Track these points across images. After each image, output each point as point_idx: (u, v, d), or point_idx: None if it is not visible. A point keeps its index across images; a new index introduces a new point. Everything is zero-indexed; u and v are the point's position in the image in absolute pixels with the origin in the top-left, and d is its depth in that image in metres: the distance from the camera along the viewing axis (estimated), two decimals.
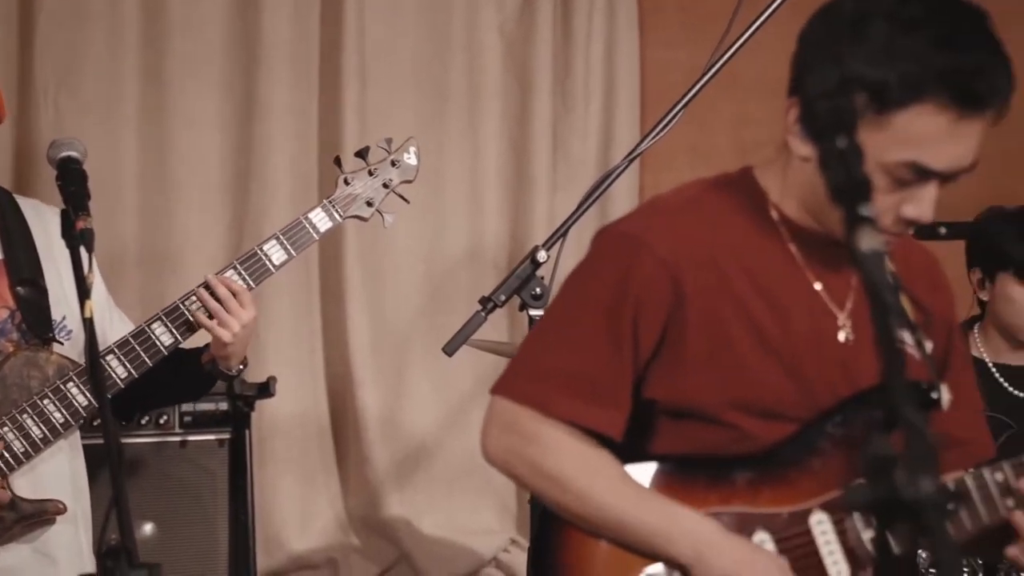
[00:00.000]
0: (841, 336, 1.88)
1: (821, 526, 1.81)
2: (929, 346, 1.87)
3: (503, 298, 2.70)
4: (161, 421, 3.55)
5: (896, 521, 1.21)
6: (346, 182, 2.85)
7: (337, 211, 2.83)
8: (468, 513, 4.35)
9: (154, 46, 4.11)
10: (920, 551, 2.67)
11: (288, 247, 2.77)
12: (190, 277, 2.91)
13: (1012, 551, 1.83)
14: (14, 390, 2.56)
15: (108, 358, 2.61)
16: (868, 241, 1.28)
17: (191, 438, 3.58)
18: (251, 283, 2.72)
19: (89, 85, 4.06)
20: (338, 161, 2.89)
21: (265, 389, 3.61)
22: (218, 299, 2.65)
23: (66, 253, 2.13)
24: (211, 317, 2.66)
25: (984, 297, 3.18)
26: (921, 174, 1.73)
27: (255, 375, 3.73)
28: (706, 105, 4.32)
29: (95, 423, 2.82)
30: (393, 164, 2.89)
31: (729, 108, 4.42)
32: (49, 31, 4.00)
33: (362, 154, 2.87)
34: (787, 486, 1.83)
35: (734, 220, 1.88)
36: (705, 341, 1.83)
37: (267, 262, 2.75)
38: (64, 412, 2.57)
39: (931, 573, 2.68)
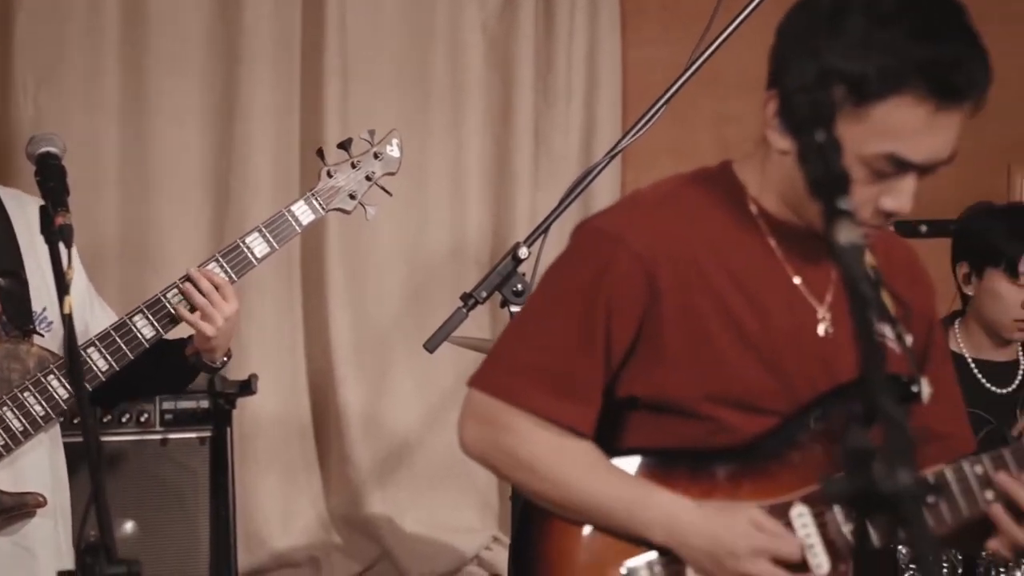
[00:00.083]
0: (821, 330, 1.89)
1: (802, 519, 1.81)
2: (909, 340, 1.87)
3: (484, 294, 2.70)
4: (142, 419, 3.54)
5: (874, 513, 1.21)
6: (329, 174, 2.84)
7: (320, 203, 2.82)
8: (450, 511, 4.35)
9: (134, 42, 4.09)
10: (900, 546, 2.69)
11: (271, 240, 2.76)
12: (171, 272, 2.90)
13: (993, 543, 1.83)
14: None
15: (89, 351, 2.61)
16: (847, 234, 1.28)
17: (172, 436, 3.57)
18: (233, 276, 2.72)
19: (69, 81, 4.05)
20: (321, 153, 2.88)
21: (247, 387, 3.60)
22: (201, 292, 2.65)
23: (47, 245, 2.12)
24: (193, 311, 2.65)
25: (970, 292, 3.18)
26: (899, 166, 1.73)
27: (236, 373, 3.72)
28: (688, 103, 4.32)
29: (75, 420, 2.81)
30: (376, 156, 2.89)
31: (710, 106, 4.43)
32: (29, 27, 3.99)
33: (345, 146, 2.87)
34: (768, 479, 1.83)
35: (713, 214, 1.89)
36: (682, 337, 1.84)
37: (249, 255, 2.74)
38: (44, 405, 2.56)
39: (911, 568, 2.69)
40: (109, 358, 2.62)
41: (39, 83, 4.02)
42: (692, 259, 1.85)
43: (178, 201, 4.15)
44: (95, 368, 2.61)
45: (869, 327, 1.25)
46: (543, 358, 1.86)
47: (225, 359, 2.74)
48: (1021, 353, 3.21)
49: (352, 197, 2.86)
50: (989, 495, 1.80)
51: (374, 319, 4.34)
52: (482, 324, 4.22)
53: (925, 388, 1.82)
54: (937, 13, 1.72)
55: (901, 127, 1.70)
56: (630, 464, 1.88)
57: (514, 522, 1.93)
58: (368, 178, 2.88)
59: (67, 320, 1.96)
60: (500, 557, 4.26)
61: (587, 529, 1.87)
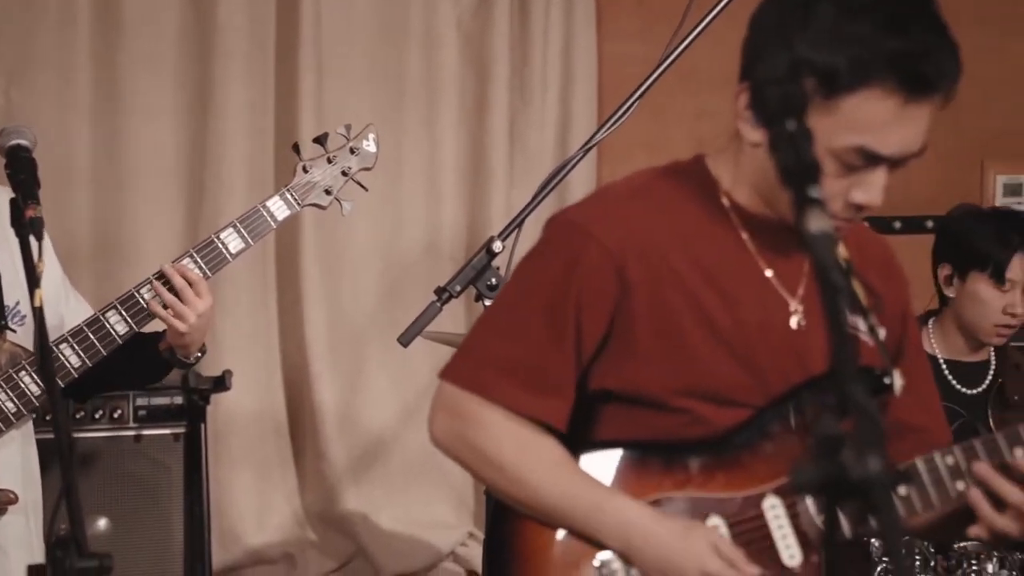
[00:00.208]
0: (793, 323, 1.89)
1: (774, 510, 1.82)
2: (882, 333, 1.88)
3: (458, 288, 2.69)
4: (115, 415, 3.52)
5: (844, 500, 1.21)
6: (304, 170, 2.84)
7: (295, 199, 2.81)
8: (425, 507, 4.35)
9: (107, 38, 4.08)
10: (873, 539, 2.70)
11: (245, 235, 2.75)
12: (145, 269, 2.89)
13: (974, 530, 1.84)
14: None
15: (62, 347, 2.59)
16: (817, 222, 1.28)
17: (146, 432, 3.56)
18: (207, 272, 2.71)
19: (41, 77, 4.03)
20: (296, 148, 2.87)
21: (221, 382, 3.59)
22: (174, 288, 2.63)
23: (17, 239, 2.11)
24: (166, 307, 2.64)
25: (950, 294, 3.18)
26: (869, 159, 1.73)
27: (211, 369, 3.71)
28: (663, 99, 4.34)
29: (47, 417, 2.80)
30: (352, 151, 2.88)
31: (686, 102, 4.44)
32: (0, 23, 3.96)
33: (321, 141, 2.86)
34: (740, 471, 1.84)
35: (684, 208, 1.89)
36: (654, 331, 1.84)
37: (224, 250, 2.73)
38: (16, 402, 2.55)
39: (884, 561, 2.70)
40: (82, 354, 2.61)
41: (10, 79, 4.00)
42: (663, 253, 1.85)
43: (152, 198, 4.14)
44: (68, 365, 2.59)
45: (840, 315, 1.25)
46: (514, 351, 1.86)
47: (199, 354, 2.73)
48: (993, 354, 3.22)
49: (328, 192, 2.86)
50: (960, 486, 1.80)
51: (349, 316, 4.33)
52: (457, 319, 4.22)
53: (897, 380, 1.82)
54: (907, 5, 1.72)
55: (870, 120, 1.70)
56: (603, 457, 1.87)
57: (488, 517, 1.93)
58: (344, 173, 2.87)
59: (37, 313, 1.95)
60: (475, 553, 4.26)
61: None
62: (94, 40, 4.07)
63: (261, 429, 4.24)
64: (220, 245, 2.73)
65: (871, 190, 1.76)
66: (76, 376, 2.60)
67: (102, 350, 2.62)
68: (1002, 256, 3.06)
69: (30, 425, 2.65)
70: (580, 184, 4.23)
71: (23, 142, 2.34)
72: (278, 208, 2.79)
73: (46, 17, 4.03)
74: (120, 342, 2.63)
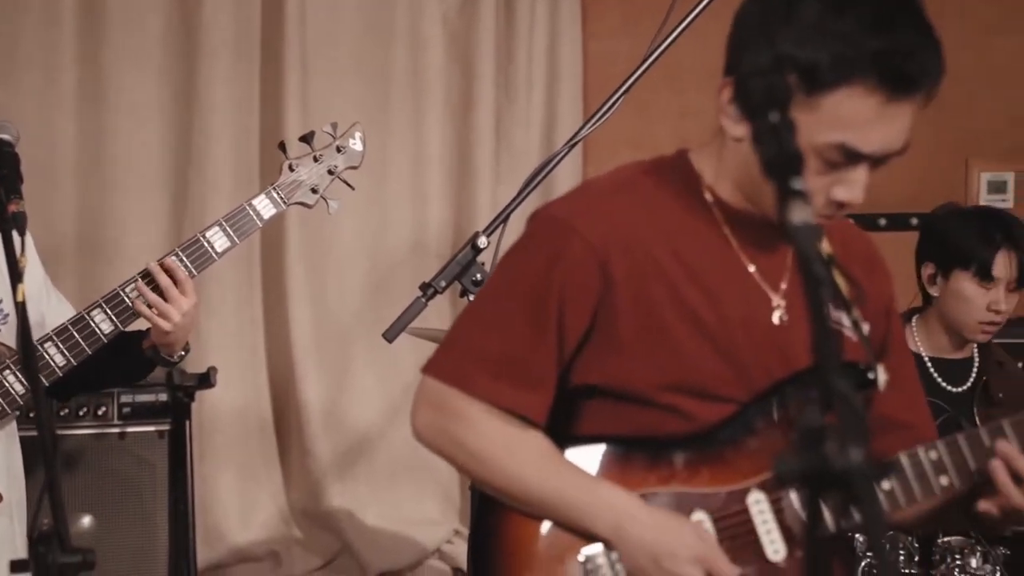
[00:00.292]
0: (776, 318, 1.89)
1: (758, 505, 1.82)
2: (866, 328, 1.88)
3: (443, 284, 2.69)
4: (100, 412, 3.51)
5: (827, 492, 1.21)
6: (291, 168, 2.83)
7: (281, 197, 2.81)
8: (411, 504, 4.35)
9: (91, 36, 4.07)
10: (857, 535, 2.71)
11: (231, 234, 2.74)
12: (129, 266, 2.89)
13: (984, 504, 1.84)
14: None
15: (46, 345, 2.58)
16: (800, 214, 1.29)
17: (130, 429, 3.55)
18: (193, 270, 2.70)
19: (26, 75, 4.02)
20: (282, 146, 2.86)
21: (205, 380, 3.58)
22: (159, 287, 2.63)
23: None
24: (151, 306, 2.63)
25: (934, 292, 3.19)
26: (851, 156, 1.73)
27: (195, 366, 3.70)
28: (648, 97, 4.35)
29: (31, 415, 2.79)
30: (338, 150, 2.87)
31: (671, 99, 4.45)
32: None
33: (307, 139, 2.85)
34: (725, 466, 1.84)
35: (667, 203, 1.89)
36: (637, 326, 1.84)
37: (209, 249, 2.72)
38: (0, 401, 2.53)
39: (868, 556, 2.71)
40: (66, 353, 2.60)
41: None
42: (646, 248, 1.85)
43: (137, 196, 4.13)
44: (52, 363, 2.59)
45: (822, 306, 1.25)
46: (496, 346, 1.86)
47: (183, 353, 2.72)
48: (976, 352, 3.23)
49: (314, 191, 2.85)
50: (944, 481, 1.81)
51: (335, 314, 4.33)
52: (443, 315, 4.22)
53: (881, 375, 1.83)
54: (891, 3, 1.72)
55: (852, 117, 1.70)
56: (587, 452, 1.87)
57: (473, 512, 1.93)
58: (330, 172, 2.86)
59: (20, 308, 1.94)
60: (461, 550, 4.26)
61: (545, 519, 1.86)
62: (79, 38, 4.07)
63: (246, 426, 4.23)
64: (206, 244, 2.72)
65: (853, 187, 1.76)
66: (60, 375, 2.59)
67: (87, 349, 2.61)
68: (986, 254, 3.07)
69: (14, 424, 2.64)
70: (566, 181, 4.24)
71: (5, 137, 2.34)
72: (264, 207, 2.79)
73: (30, 15, 4.02)
74: (105, 341, 2.62)
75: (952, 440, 1.82)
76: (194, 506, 3.58)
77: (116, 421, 3.54)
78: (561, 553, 1.84)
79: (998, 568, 2.72)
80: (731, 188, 1.86)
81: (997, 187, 4.79)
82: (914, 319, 3.24)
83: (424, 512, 4.37)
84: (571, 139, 2.77)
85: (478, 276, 2.69)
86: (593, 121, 2.71)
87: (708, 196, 1.89)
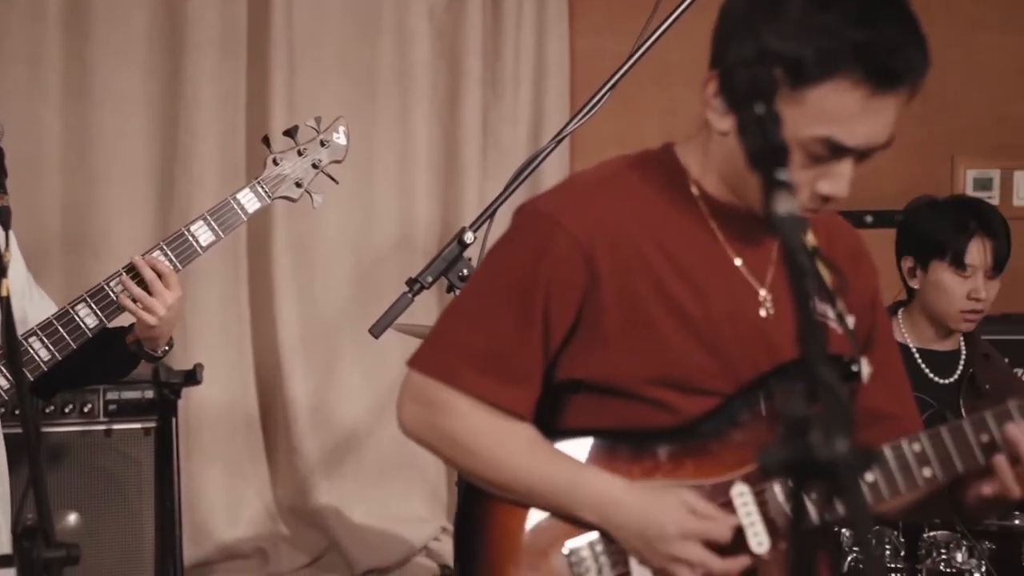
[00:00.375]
0: (762, 312, 1.89)
1: (742, 497, 1.82)
2: (851, 321, 1.88)
3: (430, 279, 2.69)
4: (85, 409, 3.50)
5: (811, 482, 1.21)
6: (275, 162, 2.83)
7: (265, 191, 2.81)
8: (398, 501, 4.35)
9: (77, 31, 4.06)
10: (844, 530, 2.71)
11: (216, 228, 2.74)
12: (115, 261, 2.88)
13: (981, 488, 1.84)
14: None
15: (31, 340, 2.58)
16: (785, 204, 1.29)
17: (116, 427, 3.54)
18: (178, 265, 2.70)
19: (11, 68, 4.01)
20: (267, 141, 2.87)
21: (192, 376, 3.57)
22: (143, 281, 2.62)
23: None
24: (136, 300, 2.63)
25: (915, 285, 3.21)
26: (836, 150, 1.73)
27: (182, 363, 3.69)
28: (636, 94, 4.35)
29: (15, 411, 2.78)
30: (323, 144, 2.88)
31: (658, 97, 4.46)
32: None
33: (291, 133, 2.86)
34: (709, 459, 1.84)
35: (653, 197, 1.89)
36: (623, 320, 1.84)
37: (194, 243, 2.72)
38: None
39: (855, 551, 2.72)
40: (51, 348, 2.59)
41: None
42: (632, 242, 1.85)
43: (123, 191, 4.12)
44: (37, 358, 2.58)
45: (806, 296, 1.25)
46: (482, 340, 1.86)
47: (167, 347, 2.72)
48: (963, 343, 3.25)
49: (298, 185, 2.85)
50: (927, 472, 1.81)
51: (321, 310, 4.32)
52: (430, 311, 4.22)
53: (865, 368, 1.83)
54: None
55: (837, 111, 1.71)
56: (572, 445, 1.87)
57: (458, 505, 1.93)
58: (315, 166, 2.86)
59: (4, 303, 1.93)
60: (448, 547, 4.26)
61: (529, 511, 1.86)
62: (64, 33, 4.05)
63: (232, 423, 4.22)
64: (190, 238, 2.72)
65: (838, 181, 1.76)
66: (45, 369, 2.58)
67: (72, 343, 2.60)
68: (959, 243, 3.10)
69: None
70: (553, 177, 4.23)
71: None
72: (248, 201, 2.79)
73: (15, 8, 4.01)
74: (90, 335, 2.62)
75: (935, 432, 1.82)
76: (180, 503, 3.57)
77: (102, 418, 3.53)
78: (545, 546, 1.84)
79: (983, 562, 2.73)
80: (717, 182, 1.87)
81: (983, 184, 4.81)
82: (900, 312, 3.26)
83: (411, 509, 4.37)
84: (558, 134, 2.78)
85: (464, 272, 2.69)
86: (580, 116, 2.71)
87: (694, 190, 1.89)
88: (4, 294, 1.95)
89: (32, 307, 2.68)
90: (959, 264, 3.10)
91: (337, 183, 2.91)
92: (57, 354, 2.59)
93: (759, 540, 1.81)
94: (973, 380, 3.19)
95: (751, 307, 1.89)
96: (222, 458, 4.20)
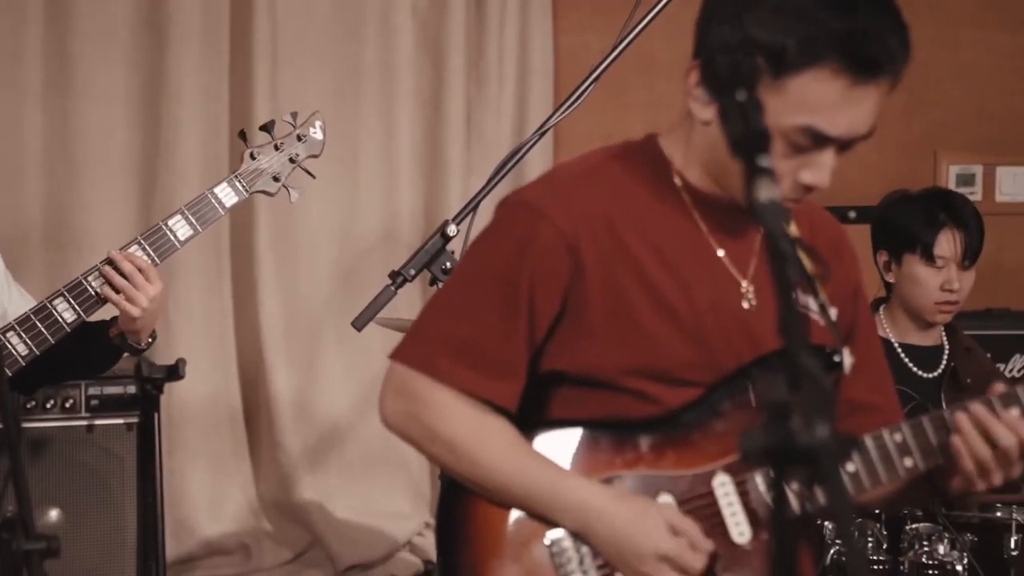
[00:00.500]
0: (744, 303, 1.89)
1: (724, 487, 1.82)
2: (834, 313, 1.89)
3: (413, 272, 2.69)
4: (67, 404, 3.49)
5: (792, 468, 1.21)
6: (252, 156, 2.84)
7: (243, 186, 2.81)
8: (382, 497, 4.34)
9: (58, 23, 4.04)
10: (827, 523, 2.72)
11: (194, 222, 2.74)
12: (97, 256, 2.87)
13: (956, 481, 1.84)
14: None
15: (9, 335, 2.57)
16: (766, 191, 1.28)
17: (98, 422, 3.53)
18: (156, 259, 2.70)
19: None
20: (243, 135, 2.87)
21: (174, 371, 3.56)
22: (124, 274, 2.61)
23: None
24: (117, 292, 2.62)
25: (891, 279, 3.22)
26: (818, 140, 1.73)
27: (164, 357, 3.68)
28: (620, 90, 4.35)
29: None
30: (299, 139, 2.88)
31: (643, 93, 4.46)
32: None
33: (267, 128, 2.86)
34: (691, 449, 1.84)
35: (637, 188, 1.89)
36: (606, 311, 1.83)
37: (172, 237, 2.72)
38: None
39: (837, 543, 2.72)
40: (29, 342, 2.58)
41: None
42: (616, 233, 1.85)
43: (104, 185, 4.10)
44: (15, 352, 2.57)
45: (788, 282, 1.25)
46: (465, 332, 1.85)
47: (151, 339, 2.71)
48: (944, 337, 3.26)
49: (276, 179, 2.86)
50: (908, 463, 1.81)
51: (305, 305, 4.32)
52: (413, 305, 4.20)
53: (847, 359, 1.83)
54: None
55: (818, 100, 1.71)
56: (555, 436, 1.87)
57: (440, 496, 1.92)
58: (292, 160, 2.87)
59: None
60: (432, 543, 4.26)
61: None
62: (45, 26, 4.03)
63: (215, 418, 4.21)
64: (168, 232, 2.72)
65: (819, 171, 1.76)
66: (23, 364, 2.57)
67: (50, 338, 2.59)
68: (928, 234, 3.11)
69: None
70: (537, 173, 4.21)
71: None
72: (226, 195, 2.79)
73: None
74: (68, 330, 2.61)
75: (916, 422, 1.83)
76: (163, 499, 3.56)
77: (84, 413, 3.52)
78: (527, 538, 1.83)
79: (965, 554, 2.74)
80: (700, 172, 1.86)
81: (966, 179, 4.82)
82: (881, 308, 3.27)
83: (395, 505, 4.36)
84: (542, 126, 2.77)
85: (447, 264, 2.68)
86: (564, 109, 2.71)
87: (677, 181, 1.88)
88: None
89: (12, 305, 2.67)
90: (929, 256, 3.12)
91: (314, 177, 2.92)
92: (35, 349, 2.58)
93: (740, 530, 1.81)
94: (955, 374, 3.20)
95: (734, 298, 1.89)
96: (205, 453, 4.19)
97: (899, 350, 3.20)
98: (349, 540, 4.23)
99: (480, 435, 1.84)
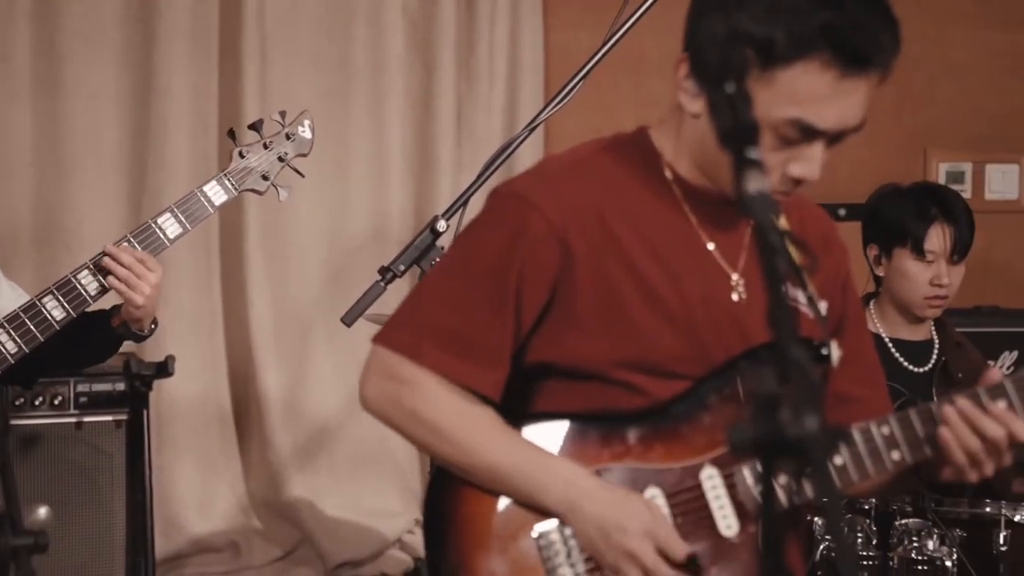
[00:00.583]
0: (734, 296, 1.89)
1: (711, 480, 1.82)
2: (824, 306, 1.89)
3: (402, 268, 2.69)
4: (56, 401, 3.48)
5: (780, 460, 1.21)
6: (241, 155, 2.85)
7: (232, 184, 2.82)
8: (371, 495, 4.33)
9: (46, 20, 4.03)
10: (816, 519, 2.72)
11: (183, 220, 2.75)
12: (87, 254, 2.87)
13: (947, 472, 1.84)
14: None
15: None
16: (755, 183, 1.28)
17: (87, 419, 3.52)
18: None
19: None
20: (232, 134, 2.88)
21: (163, 368, 3.56)
22: (124, 265, 2.64)
23: None
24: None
25: (881, 273, 3.23)
26: (807, 132, 1.74)
27: (153, 354, 3.68)
28: (610, 88, 4.35)
29: None
30: (288, 137, 2.89)
31: (633, 91, 4.46)
32: None
33: (256, 127, 2.87)
34: (679, 442, 1.84)
35: (627, 180, 1.89)
36: (595, 303, 1.83)
37: (161, 235, 2.73)
38: None
39: (827, 539, 2.72)
40: (18, 340, 2.59)
41: None
42: (606, 225, 1.85)
43: (94, 183, 4.10)
44: (4, 350, 2.57)
45: (777, 273, 1.25)
46: (453, 320, 1.85)
47: (153, 326, 2.74)
48: (934, 332, 3.26)
49: (265, 178, 2.87)
50: (895, 455, 1.81)
51: (294, 303, 4.31)
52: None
53: (835, 352, 1.83)
54: None
55: (808, 93, 1.71)
56: (542, 429, 1.87)
57: (427, 489, 1.92)
58: (281, 159, 2.88)
59: None
60: (422, 540, 4.25)
61: (498, 497, 1.85)
62: (33, 23, 4.02)
63: (205, 416, 4.20)
64: (157, 230, 2.73)
65: (809, 164, 1.76)
66: (12, 362, 2.58)
67: (39, 336, 2.60)
68: (918, 229, 3.12)
69: None
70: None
71: None
72: (215, 193, 2.80)
73: None
74: (57, 327, 2.61)
75: (904, 415, 1.83)
76: (152, 496, 3.56)
77: (73, 410, 3.51)
78: (515, 530, 1.83)
79: (955, 550, 2.74)
80: (690, 165, 1.87)
81: (955, 177, 4.83)
82: (871, 303, 3.27)
83: (384, 502, 4.36)
84: (531, 122, 2.78)
85: (437, 260, 2.68)
86: (554, 104, 2.71)
87: (668, 173, 1.89)
88: None
89: (3, 299, 2.67)
90: (919, 250, 3.12)
91: (303, 176, 2.92)
92: (24, 347, 2.58)
93: (728, 523, 1.81)
94: (946, 368, 3.20)
95: (723, 291, 1.89)
96: (194, 451, 4.18)
97: (889, 345, 3.21)
98: (339, 538, 4.23)
99: (464, 418, 1.84)
